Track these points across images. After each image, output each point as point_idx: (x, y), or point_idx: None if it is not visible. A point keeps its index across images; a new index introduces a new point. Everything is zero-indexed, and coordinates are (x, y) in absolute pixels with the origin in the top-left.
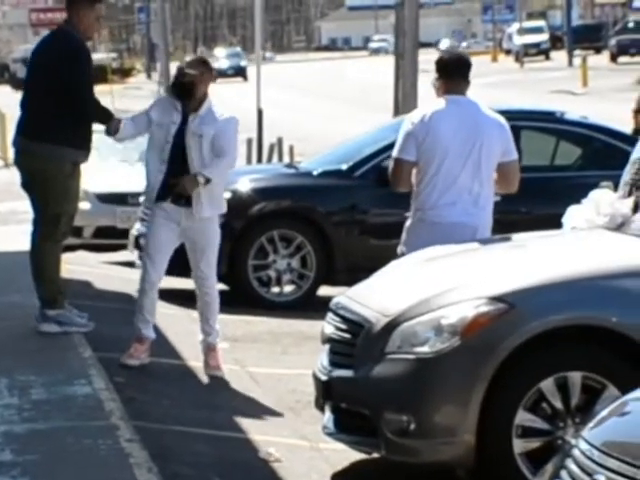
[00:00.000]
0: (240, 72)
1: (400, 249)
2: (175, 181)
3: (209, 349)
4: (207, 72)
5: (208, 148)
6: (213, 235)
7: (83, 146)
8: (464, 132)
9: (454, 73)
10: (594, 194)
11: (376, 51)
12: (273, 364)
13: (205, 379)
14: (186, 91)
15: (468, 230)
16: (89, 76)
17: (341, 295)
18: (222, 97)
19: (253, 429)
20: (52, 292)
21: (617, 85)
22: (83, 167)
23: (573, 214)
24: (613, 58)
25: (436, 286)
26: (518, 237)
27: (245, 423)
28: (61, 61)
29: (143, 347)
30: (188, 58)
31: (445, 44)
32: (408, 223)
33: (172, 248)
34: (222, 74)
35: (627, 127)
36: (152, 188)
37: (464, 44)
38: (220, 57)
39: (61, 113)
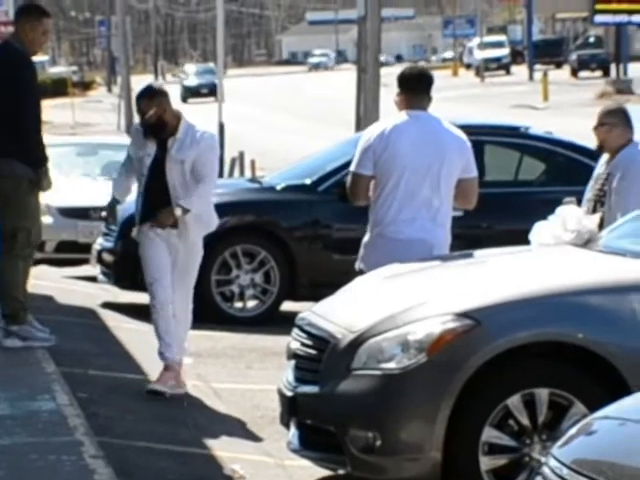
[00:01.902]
0: (214, 90)
1: (358, 265)
2: (155, 214)
3: (165, 367)
4: (163, 98)
5: (190, 171)
6: (198, 255)
7: (32, 161)
8: (424, 148)
9: (415, 88)
10: (561, 210)
11: (316, 66)
12: (237, 379)
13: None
14: (157, 129)
15: (426, 246)
16: (32, 90)
17: (307, 311)
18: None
19: (217, 445)
20: (14, 307)
21: (578, 100)
22: None
23: (540, 230)
24: (574, 73)
25: (402, 302)
26: (483, 253)
27: (209, 439)
28: (3, 75)
29: (170, 374)
30: (144, 84)
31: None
32: (366, 238)
33: (168, 264)
34: (193, 93)
35: (589, 142)
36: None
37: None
38: (190, 74)
39: (6, 127)
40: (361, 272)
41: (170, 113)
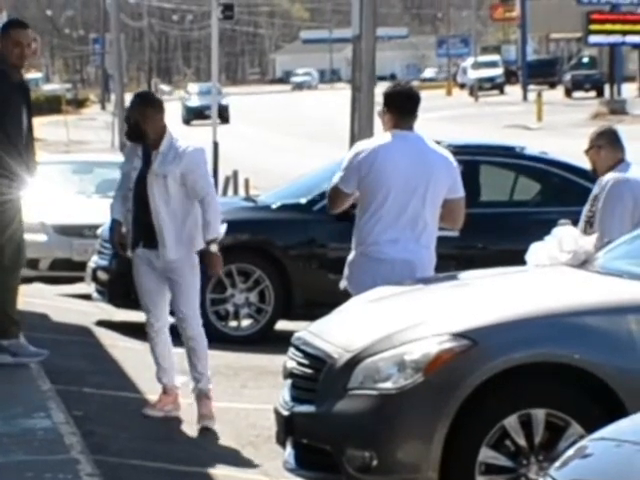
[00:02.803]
0: (220, 112)
1: (342, 284)
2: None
3: (200, 396)
4: (150, 108)
5: (176, 188)
6: (190, 273)
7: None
8: (410, 169)
9: (403, 108)
10: (557, 231)
11: (299, 85)
12: (232, 398)
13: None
14: (135, 133)
15: (410, 267)
16: (4, 106)
17: (303, 330)
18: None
19: (212, 463)
20: (2, 322)
21: (572, 120)
22: (40, 199)
23: (536, 251)
24: (568, 93)
25: (399, 322)
26: (474, 274)
27: (204, 457)
28: None
29: (169, 398)
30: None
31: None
32: (350, 257)
33: (163, 289)
34: (197, 115)
35: (583, 163)
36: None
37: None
38: (192, 93)
39: None
40: (346, 291)
41: (152, 123)
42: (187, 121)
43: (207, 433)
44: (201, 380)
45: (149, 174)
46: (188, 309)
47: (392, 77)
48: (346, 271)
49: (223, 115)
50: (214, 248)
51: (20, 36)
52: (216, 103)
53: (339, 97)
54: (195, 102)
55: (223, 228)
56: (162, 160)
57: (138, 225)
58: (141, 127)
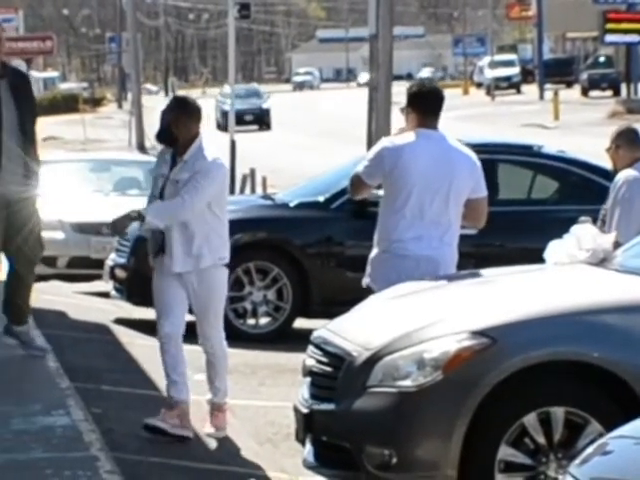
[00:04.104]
0: (260, 117)
1: (365, 281)
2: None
3: (213, 409)
4: (184, 114)
5: None
6: (217, 286)
7: None
8: (434, 168)
9: (427, 107)
10: (576, 229)
11: (300, 85)
12: (250, 396)
13: None
14: (165, 135)
15: (433, 264)
16: None
17: (322, 328)
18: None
19: (232, 461)
20: (19, 311)
21: (588, 119)
22: (57, 197)
23: (554, 249)
24: (584, 92)
25: (418, 320)
26: (494, 272)
27: (223, 455)
28: None
29: (173, 412)
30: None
31: (426, 73)
32: (373, 254)
33: (180, 297)
34: (236, 121)
35: (601, 161)
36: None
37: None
38: (226, 96)
39: None
40: (368, 288)
41: (184, 129)
42: (224, 127)
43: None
44: (217, 394)
45: (168, 181)
46: (210, 328)
47: (409, 76)
48: (368, 268)
49: (264, 120)
50: (133, 214)
51: None
52: (232, 102)
53: (351, 96)
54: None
55: (157, 217)
56: (182, 168)
57: (160, 232)
58: (172, 131)
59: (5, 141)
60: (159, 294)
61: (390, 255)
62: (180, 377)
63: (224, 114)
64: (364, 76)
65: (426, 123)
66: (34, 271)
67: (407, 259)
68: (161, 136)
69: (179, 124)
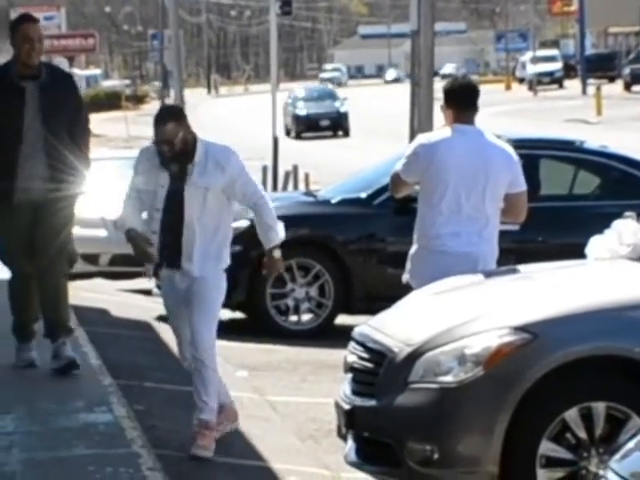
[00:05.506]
0: (338, 122)
1: (405, 277)
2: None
3: (200, 427)
4: (185, 119)
5: (214, 200)
6: (213, 291)
7: None
8: (470, 163)
9: (463, 102)
10: (617, 224)
11: (328, 82)
12: (292, 392)
13: None
14: (183, 156)
15: (472, 260)
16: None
17: (363, 324)
18: None
19: (273, 457)
20: (60, 320)
21: (631, 114)
22: (100, 194)
23: (596, 244)
24: (627, 87)
25: (459, 316)
26: (534, 268)
27: (265, 451)
28: None
29: (210, 432)
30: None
31: (449, 69)
32: (412, 251)
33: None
34: (310, 126)
35: None
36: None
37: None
38: (300, 98)
39: None
40: (408, 285)
41: (191, 135)
42: (298, 134)
43: (266, 427)
44: (204, 410)
45: (187, 188)
46: (203, 328)
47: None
48: (408, 265)
49: (342, 125)
50: (277, 254)
51: (30, 31)
52: (274, 98)
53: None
54: (306, 109)
55: (281, 228)
56: (202, 171)
57: (163, 245)
58: (188, 144)
59: (27, 143)
60: (169, 312)
61: (428, 251)
62: (209, 397)
63: (297, 119)
64: (391, 73)
65: (461, 118)
66: (65, 279)
67: (446, 255)
68: (182, 157)
69: (191, 133)
